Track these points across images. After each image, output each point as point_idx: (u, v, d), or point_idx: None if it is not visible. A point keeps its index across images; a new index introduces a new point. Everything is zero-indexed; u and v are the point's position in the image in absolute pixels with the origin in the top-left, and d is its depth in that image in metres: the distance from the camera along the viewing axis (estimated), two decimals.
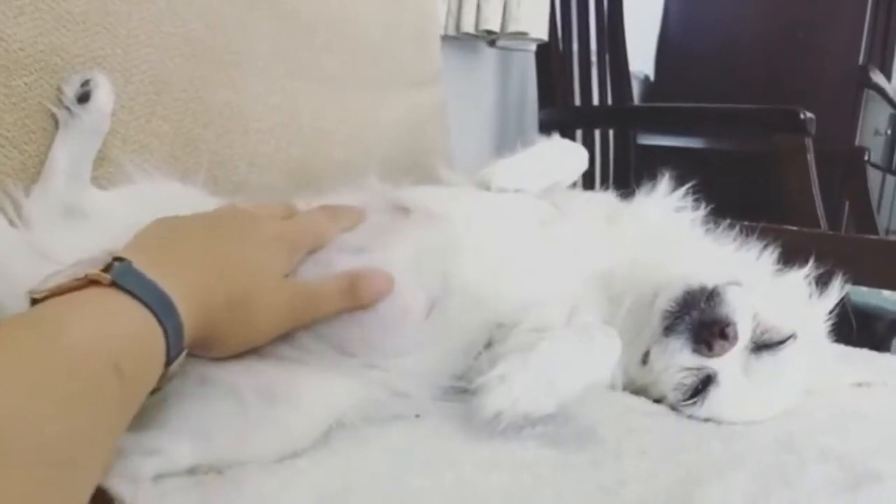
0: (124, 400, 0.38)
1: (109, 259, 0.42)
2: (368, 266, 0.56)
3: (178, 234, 0.50)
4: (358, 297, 0.54)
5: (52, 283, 0.40)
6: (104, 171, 0.66)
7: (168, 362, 0.42)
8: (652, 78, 2.57)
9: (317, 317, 0.54)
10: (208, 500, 0.42)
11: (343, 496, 0.43)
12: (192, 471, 0.45)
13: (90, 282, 0.40)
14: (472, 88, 1.86)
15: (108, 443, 0.37)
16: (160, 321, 0.41)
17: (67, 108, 0.62)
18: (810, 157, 1.34)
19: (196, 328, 0.44)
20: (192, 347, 0.45)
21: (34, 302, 0.40)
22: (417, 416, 0.57)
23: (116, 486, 0.39)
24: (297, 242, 0.56)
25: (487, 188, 0.71)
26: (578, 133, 1.85)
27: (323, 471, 0.47)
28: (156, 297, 0.41)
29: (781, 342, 0.61)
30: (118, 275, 0.41)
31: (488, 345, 0.61)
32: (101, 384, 0.36)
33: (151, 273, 0.42)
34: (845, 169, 2.16)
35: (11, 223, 0.58)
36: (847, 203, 2.16)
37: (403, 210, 0.65)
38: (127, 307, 0.40)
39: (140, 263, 0.42)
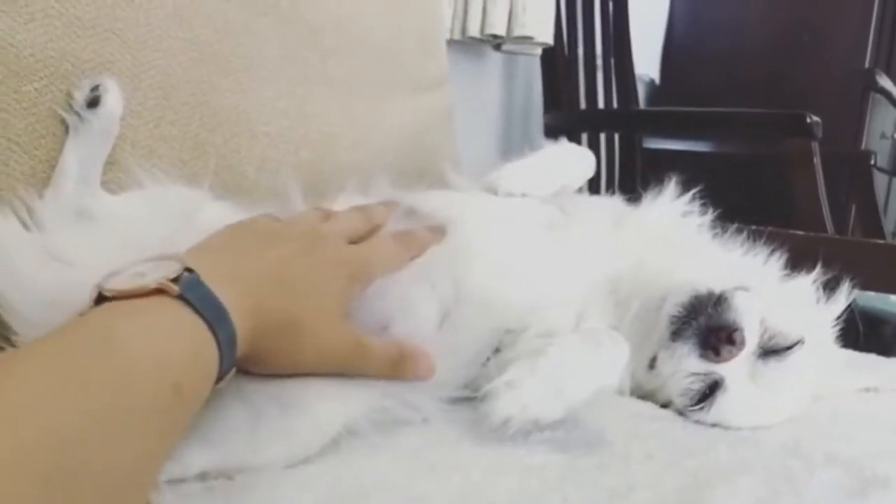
0: (177, 418, 0.38)
1: (179, 267, 0.41)
2: (418, 348, 0.55)
3: (243, 245, 0.50)
4: (401, 373, 0.53)
5: (120, 286, 0.40)
6: (114, 175, 0.67)
7: (219, 377, 0.42)
8: (657, 81, 2.57)
9: (361, 374, 0.52)
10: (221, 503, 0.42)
11: (352, 500, 0.44)
12: (202, 476, 0.45)
13: (156, 289, 0.40)
14: (477, 92, 1.86)
15: (160, 459, 0.37)
16: (217, 338, 0.41)
17: (77, 113, 0.63)
18: (817, 160, 1.34)
19: (247, 343, 0.44)
20: (239, 362, 0.45)
21: (100, 298, 0.40)
22: (425, 420, 0.57)
23: None
24: (361, 272, 0.54)
25: (495, 193, 0.72)
26: (584, 137, 1.85)
27: (333, 476, 0.47)
28: (216, 312, 0.41)
29: (789, 348, 0.61)
30: (186, 288, 0.40)
31: (497, 350, 0.62)
32: (160, 404, 0.36)
33: (213, 283, 0.42)
34: (852, 172, 2.16)
35: (25, 226, 0.58)
36: (854, 207, 2.15)
37: (414, 217, 0.65)
38: (190, 323, 0.40)
39: (204, 272, 0.42)
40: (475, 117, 1.85)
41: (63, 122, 0.64)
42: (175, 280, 0.40)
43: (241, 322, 0.43)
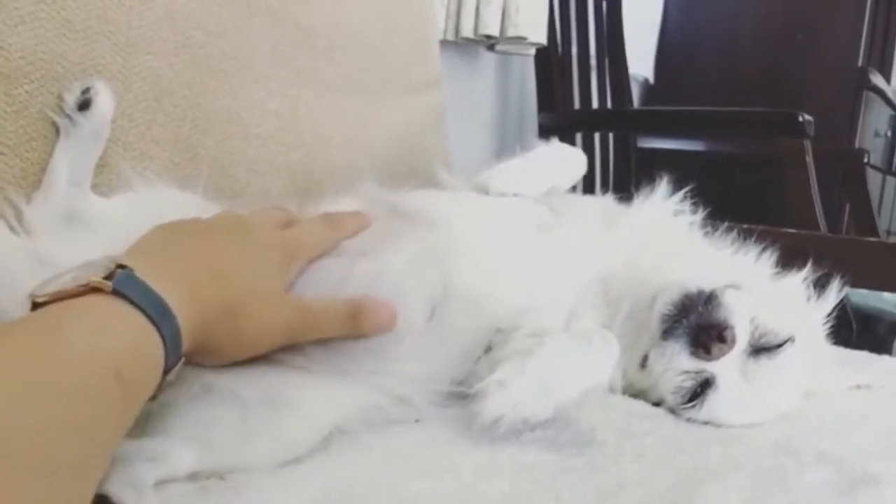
0: (124, 407, 0.39)
1: (111, 265, 0.42)
2: (373, 295, 0.55)
3: (176, 241, 0.50)
4: (359, 327, 0.54)
5: (54, 288, 0.41)
6: (105, 178, 0.67)
7: (166, 370, 0.42)
8: (651, 81, 2.57)
9: (313, 338, 0.53)
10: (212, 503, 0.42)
11: (343, 500, 0.44)
12: (193, 477, 0.45)
13: (92, 288, 0.40)
14: (471, 93, 1.86)
15: (108, 449, 0.37)
16: (159, 329, 0.41)
17: (68, 116, 0.63)
18: (809, 159, 1.34)
19: (192, 335, 0.44)
20: (188, 355, 0.45)
21: (35, 305, 0.40)
22: (417, 420, 0.57)
23: (119, 493, 0.39)
24: (294, 252, 0.56)
25: (486, 192, 0.72)
26: (578, 137, 1.86)
27: (323, 475, 0.47)
28: (156, 306, 0.41)
29: (779, 345, 0.61)
30: (120, 283, 0.41)
31: (487, 349, 0.62)
32: (101, 391, 0.36)
33: (151, 280, 0.42)
34: (845, 171, 2.16)
35: (13, 230, 0.58)
36: (847, 205, 2.16)
37: (402, 214, 0.65)
38: (128, 315, 0.40)
39: (140, 270, 0.42)
40: (469, 118, 1.85)
41: (54, 124, 0.63)
42: (108, 278, 0.41)
43: (182, 315, 0.43)
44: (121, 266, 0.42)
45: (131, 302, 0.40)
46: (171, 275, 0.44)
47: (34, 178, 0.63)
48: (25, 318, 0.40)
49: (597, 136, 1.92)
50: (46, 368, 0.35)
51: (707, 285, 0.60)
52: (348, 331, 0.53)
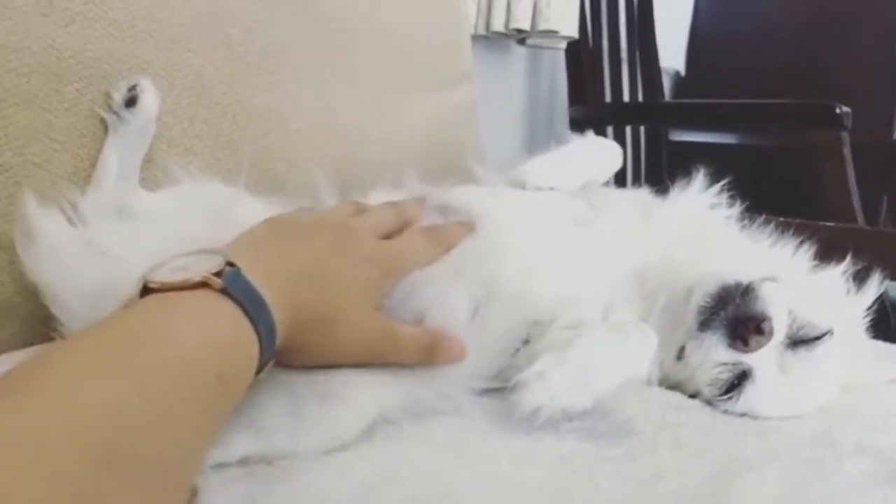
0: (222, 406, 0.40)
1: (220, 261, 0.43)
2: (449, 333, 0.56)
3: (279, 241, 0.51)
4: (433, 359, 0.55)
5: (165, 276, 0.42)
6: (151, 173, 0.69)
7: (259, 368, 0.43)
8: (683, 73, 2.55)
9: (394, 361, 0.54)
10: (263, 487, 0.44)
11: (389, 485, 0.45)
12: (243, 462, 0.47)
13: (201, 283, 0.41)
14: (502, 87, 1.86)
15: (204, 446, 0.39)
16: (257, 330, 0.42)
17: (116, 113, 0.65)
18: (846, 151, 1.32)
19: (284, 335, 0.46)
20: (277, 354, 0.46)
21: (146, 290, 0.41)
22: (456, 409, 0.58)
23: None
24: (394, 268, 0.56)
25: (522, 187, 0.72)
26: (609, 130, 1.85)
27: (367, 462, 0.48)
28: (257, 305, 0.43)
29: (818, 338, 0.61)
30: (229, 282, 0.42)
31: (526, 342, 0.62)
32: (205, 392, 0.38)
33: (255, 278, 0.43)
34: (883, 164, 2.12)
35: (71, 222, 0.60)
36: (885, 199, 2.12)
37: (444, 211, 0.66)
38: (232, 315, 0.41)
39: (245, 267, 0.44)
40: (500, 112, 1.85)
41: (103, 121, 0.66)
42: (217, 274, 0.42)
43: (278, 315, 0.44)
44: (229, 263, 0.43)
45: (237, 301, 0.42)
46: (273, 273, 0.46)
47: (85, 174, 0.65)
48: (138, 306, 0.41)
49: (628, 129, 1.91)
50: (152, 368, 0.36)
51: (744, 277, 0.60)
52: (422, 359, 0.55)
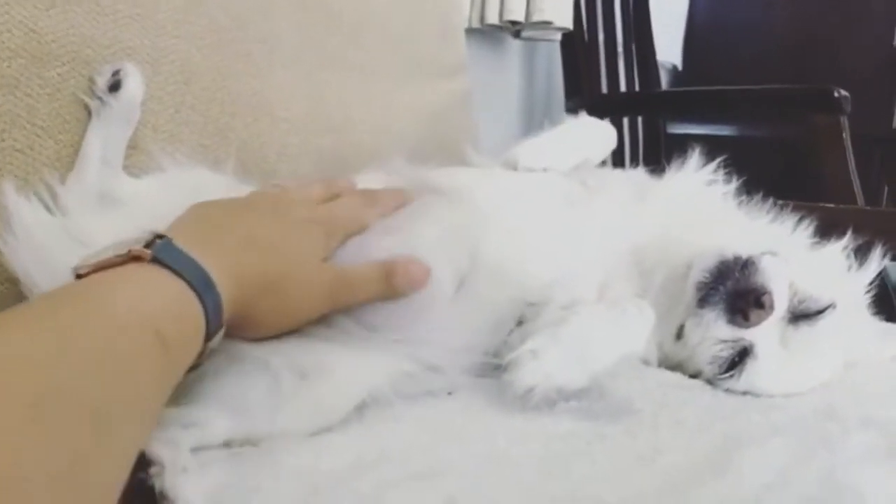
0: (166, 368, 0.39)
1: (151, 237, 0.43)
2: (405, 255, 0.55)
3: (215, 216, 0.51)
4: (394, 287, 0.54)
5: (95, 260, 0.41)
6: (136, 159, 0.67)
7: (208, 337, 0.43)
8: (680, 67, 2.54)
9: (352, 303, 0.54)
10: (247, 468, 0.42)
11: (378, 464, 0.44)
12: (227, 444, 0.46)
13: (132, 257, 0.41)
14: (498, 80, 1.85)
15: (150, 408, 0.38)
16: (199, 296, 0.41)
17: (99, 98, 0.63)
18: (846, 135, 1.31)
19: (233, 306, 0.45)
20: (228, 327, 0.46)
21: (78, 277, 0.41)
22: (450, 393, 0.57)
23: (157, 452, 0.39)
24: (333, 227, 0.56)
25: (514, 168, 0.71)
26: (606, 122, 1.83)
27: (357, 442, 0.47)
28: (195, 273, 0.42)
29: (820, 312, 0.60)
30: (159, 251, 0.41)
31: (520, 323, 0.61)
32: (143, 348, 0.37)
33: (191, 251, 0.43)
34: (884, 153, 2.11)
35: (49, 210, 0.59)
36: (886, 188, 2.11)
37: (429, 189, 0.65)
38: (168, 281, 0.41)
39: (180, 242, 0.43)
40: (496, 106, 1.84)
41: (86, 107, 0.64)
42: (148, 247, 0.41)
43: (223, 285, 0.43)
44: (159, 236, 0.43)
45: (170, 269, 0.41)
46: (211, 248, 0.45)
47: (68, 160, 0.63)
48: (66, 285, 0.40)
49: (626, 123, 1.90)
50: (87, 326, 0.36)
51: (744, 251, 0.59)
52: (383, 291, 0.54)
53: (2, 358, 0.32)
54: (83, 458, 0.31)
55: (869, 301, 0.70)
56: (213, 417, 0.45)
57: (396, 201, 0.62)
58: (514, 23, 1.61)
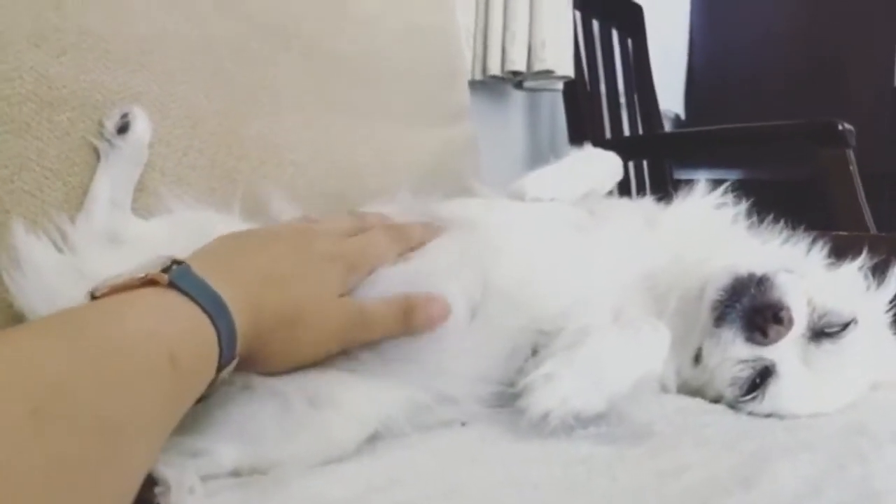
0: (176, 390, 0.38)
1: (168, 262, 0.42)
2: (425, 292, 0.54)
3: (236, 247, 0.51)
4: (413, 326, 0.53)
5: (112, 282, 0.41)
6: (144, 202, 0.68)
7: (220, 367, 0.42)
8: (683, 116, 2.57)
9: (367, 340, 0.53)
10: (256, 495, 0.41)
11: (390, 489, 0.42)
12: (235, 473, 0.44)
13: (149, 281, 0.41)
14: (502, 131, 1.87)
15: (159, 428, 0.37)
16: (213, 321, 0.41)
17: (108, 140, 0.64)
18: (853, 168, 1.31)
19: (247, 339, 0.44)
20: (241, 361, 0.45)
21: (94, 299, 0.41)
22: (464, 424, 0.55)
23: (163, 472, 0.38)
24: (356, 262, 0.55)
25: (521, 199, 0.71)
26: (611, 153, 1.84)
27: (368, 470, 0.45)
28: (211, 300, 0.42)
29: (842, 328, 0.58)
30: (176, 276, 0.41)
31: (535, 352, 0.60)
32: (154, 367, 0.36)
33: (208, 278, 0.43)
34: (892, 193, 2.11)
35: (59, 249, 0.59)
36: None
37: (440, 220, 0.65)
38: (183, 306, 0.41)
39: (198, 269, 0.43)
40: (501, 157, 1.85)
41: (95, 150, 0.65)
42: (165, 272, 0.41)
43: (239, 316, 0.43)
44: (177, 262, 0.43)
45: (187, 294, 0.41)
46: (229, 278, 0.44)
47: (76, 202, 0.64)
48: (81, 305, 0.40)
49: (632, 168, 1.91)
50: (102, 343, 0.35)
51: (758, 268, 0.58)
52: (401, 328, 0.52)
53: (7, 360, 0.31)
54: (84, 466, 0.30)
55: (889, 319, 0.68)
56: (221, 446, 0.44)
57: (425, 236, 0.61)
58: (515, 73, 1.64)
